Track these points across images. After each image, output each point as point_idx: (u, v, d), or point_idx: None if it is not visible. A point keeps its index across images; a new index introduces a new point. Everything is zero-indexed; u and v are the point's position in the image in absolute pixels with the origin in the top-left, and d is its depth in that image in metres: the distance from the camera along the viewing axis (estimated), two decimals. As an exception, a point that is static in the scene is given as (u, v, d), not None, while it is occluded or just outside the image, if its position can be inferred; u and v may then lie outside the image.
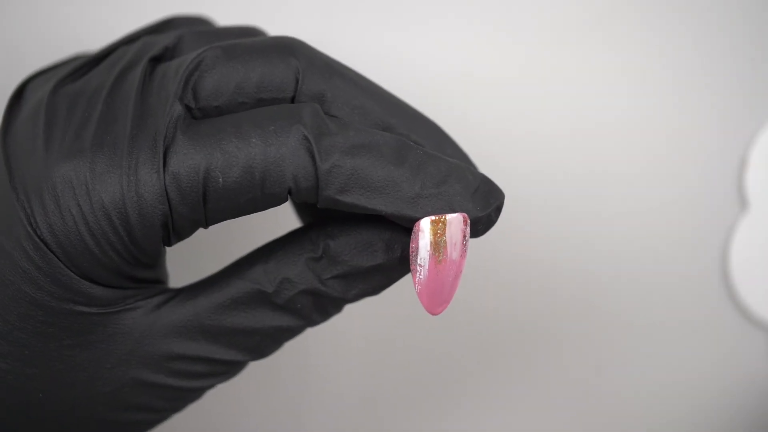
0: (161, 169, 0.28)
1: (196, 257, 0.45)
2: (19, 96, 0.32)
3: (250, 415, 0.51)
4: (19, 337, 0.29)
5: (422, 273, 0.30)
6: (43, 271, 0.28)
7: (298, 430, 0.52)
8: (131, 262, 0.29)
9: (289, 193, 0.29)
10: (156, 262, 0.30)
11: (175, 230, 0.29)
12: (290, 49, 0.30)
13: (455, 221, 0.29)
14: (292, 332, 0.31)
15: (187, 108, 0.30)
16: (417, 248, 0.30)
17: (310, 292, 0.30)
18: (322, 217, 0.34)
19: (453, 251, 0.30)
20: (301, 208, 0.37)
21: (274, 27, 0.43)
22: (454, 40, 0.47)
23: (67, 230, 0.28)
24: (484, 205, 0.30)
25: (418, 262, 0.30)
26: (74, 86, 0.31)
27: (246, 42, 0.30)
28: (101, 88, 0.30)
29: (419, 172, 0.29)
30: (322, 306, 0.31)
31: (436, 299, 0.30)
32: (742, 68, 0.50)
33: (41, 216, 0.28)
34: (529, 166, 0.50)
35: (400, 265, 0.31)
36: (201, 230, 0.31)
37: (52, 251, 0.28)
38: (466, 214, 0.29)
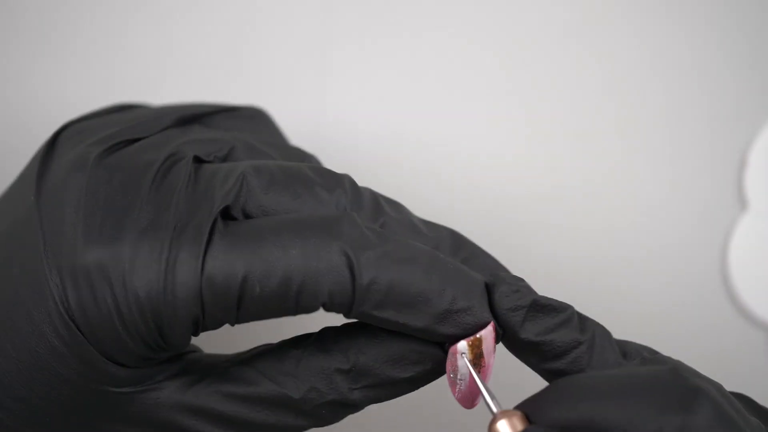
0: (199, 272, 0.28)
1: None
2: (51, 147, 0.32)
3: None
4: (43, 407, 0.29)
5: (463, 385, 0.31)
6: (71, 349, 0.28)
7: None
8: (158, 351, 0.29)
9: (323, 306, 0.29)
10: (181, 350, 0.31)
11: (205, 327, 0.29)
12: (337, 233, 0.29)
13: (488, 335, 0.30)
14: (306, 428, 0.32)
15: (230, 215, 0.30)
16: (456, 368, 0.30)
17: (336, 402, 0.31)
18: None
19: (490, 358, 0.31)
20: None
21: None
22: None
23: (101, 317, 0.28)
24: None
25: (459, 377, 0.30)
26: (118, 158, 0.31)
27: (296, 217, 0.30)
28: (146, 170, 0.30)
29: (450, 288, 0.29)
30: (345, 412, 0.31)
31: (475, 399, 0.31)
32: (741, 68, 0.50)
33: (74, 299, 0.28)
34: (527, 165, 0.50)
35: (429, 375, 0.31)
36: None
37: (82, 333, 0.28)
38: (493, 321, 0.30)
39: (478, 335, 0.30)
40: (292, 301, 0.29)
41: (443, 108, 0.48)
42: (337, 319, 0.32)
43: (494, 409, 0.29)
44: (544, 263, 0.51)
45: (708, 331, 0.54)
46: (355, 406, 0.31)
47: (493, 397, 0.29)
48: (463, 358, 0.30)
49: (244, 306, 0.29)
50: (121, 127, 0.32)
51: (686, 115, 0.50)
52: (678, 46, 0.49)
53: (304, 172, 0.31)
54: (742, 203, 0.52)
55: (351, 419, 0.51)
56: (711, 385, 0.27)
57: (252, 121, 0.37)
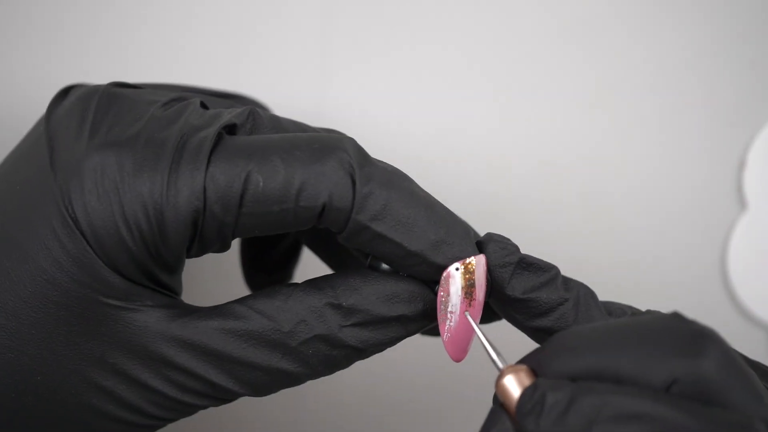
0: (204, 168, 0.28)
1: (208, 277, 0.45)
2: (64, 94, 0.32)
3: (250, 415, 0.51)
4: (30, 316, 0.29)
5: (453, 320, 0.31)
6: (67, 250, 0.29)
7: (297, 428, 0.52)
8: (155, 258, 0.29)
9: (321, 212, 0.29)
10: (176, 265, 0.30)
11: (202, 233, 0.29)
12: (341, 147, 0.30)
13: (480, 263, 0.31)
14: (292, 379, 0.31)
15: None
16: (448, 295, 0.31)
17: (324, 338, 0.31)
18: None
19: (480, 292, 0.31)
20: (316, 245, 0.38)
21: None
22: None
23: (103, 212, 0.28)
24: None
25: (449, 309, 0.31)
26: (130, 90, 0.32)
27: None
28: (155, 102, 0.31)
29: (444, 222, 0.30)
30: (332, 357, 0.31)
31: (462, 345, 0.31)
32: (741, 69, 0.50)
33: (78, 196, 0.28)
34: (527, 164, 0.50)
35: (421, 318, 0.31)
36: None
37: (81, 231, 0.28)
38: (484, 255, 0.31)
39: (471, 259, 0.30)
40: (293, 200, 0.29)
41: (444, 104, 0.48)
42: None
43: (500, 365, 0.29)
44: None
45: (708, 331, 0.54)
46: (343, 347, 0.31)
47: (498, 353, 0.29)
48: (456, 281, 0.30)
49: (245, 204, 0.29)
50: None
51: (686, 117, 0.51)
52: (678, 48, 0.50)
53: (309, 125, 0.32)
54: (741, 204, 0.52)
55: (350, 414, 0.51)
56: (712, 330, 0.28)
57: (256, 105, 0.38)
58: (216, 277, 0.45)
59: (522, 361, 0.29)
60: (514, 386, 0.28)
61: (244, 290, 0.40)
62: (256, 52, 0.47)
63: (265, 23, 0.46)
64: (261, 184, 0.29)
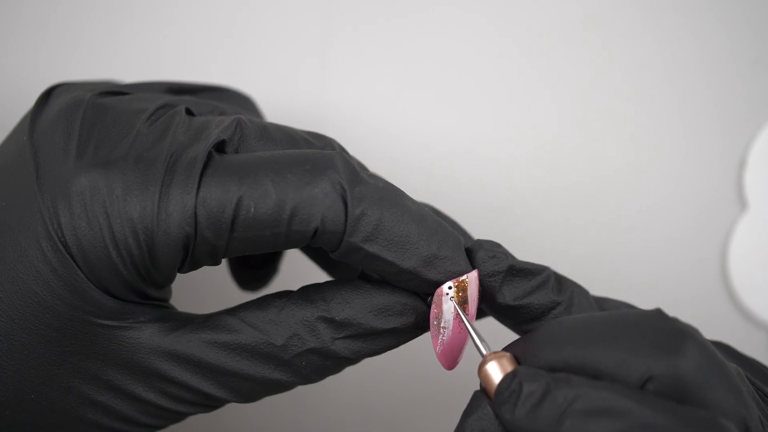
0: (194, 192, 0.28)
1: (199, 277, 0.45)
2: (46, 98, 0.32)
3: (250, 415, 0.51)
4: (21, 337, 0.29)
5: (446, 334, 0.31)
6: (57, 273, 0.28)
7: (297, 429, 0.52)
8: (145, 278, 0.29)
9: (313, 234, 0.29)
10: (167, 283, 0.30)
11: (193, 256, 0.29)
12: (331, 165, 0.30)
13: (473, 280, 0.31)
14: (285, 387, 0.32)
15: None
16: (441, 312, 0.30)
17: (317, 351, 0.31)
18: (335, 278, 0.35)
19: (473, 306, 0.31)
20: (312, 253, 0.37)
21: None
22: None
23: (93, 236, 0.28)
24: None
25: (442, 325, 0.31)
26: (115, 99, 0.31)
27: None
28: (140, 113, 0.30)
29: (436, 236, 0.30)
30: (324, 366, 0.31)
31: (455, 356, 0.32)
32: (742, 69, 0.50)
33: (66, 218, 0.28)
34: (529, 163, 0.50)
35: (413, 329, 0.31)
36: None
37: (71, 254, 0.28)
38: (477, 270, 0.31)
39: (463, 277, 0.30)
40: (285, 224, 0.29)
41: (445, 104, 0.48)
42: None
43: (483, 351, 0.29)
44: (543, 262, 0.51)
45: (708, 331, 0.54)
46: (335, 358, 0.31)
47: (482, 340, 0.30)
48: (449, 300, 0.30)
49: (236, 228, 0.29)
50: (114, 86, 0.33)
51: (686, 116, 0.51)
52: (679, 48, 0.50)
53: (294, 130, 0.32)
54: (742, 203, 0.52)
55: (348, 411, 0.52)
56: (693, 329, 0.28)
57: (238, 103, 0.37)
58: (206, 275, 0.45)
59: (507, 349, 0.29)
60: (496, 372, 0.28)
61: (233, 286, 0.40)
62: (256, 53, 0.47)
63: (265, 23, 0.46)
64: (253, 209, 0.28)
